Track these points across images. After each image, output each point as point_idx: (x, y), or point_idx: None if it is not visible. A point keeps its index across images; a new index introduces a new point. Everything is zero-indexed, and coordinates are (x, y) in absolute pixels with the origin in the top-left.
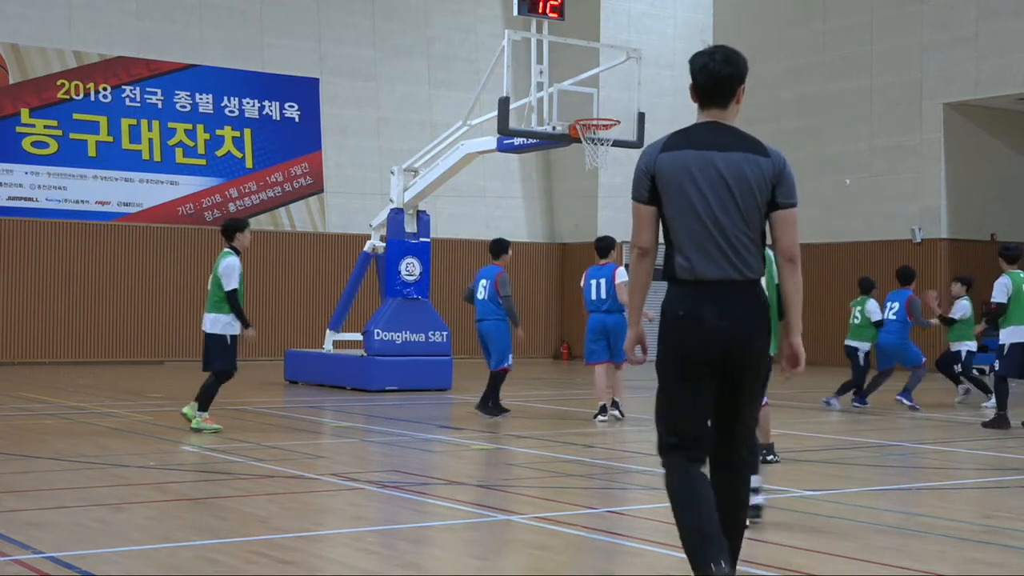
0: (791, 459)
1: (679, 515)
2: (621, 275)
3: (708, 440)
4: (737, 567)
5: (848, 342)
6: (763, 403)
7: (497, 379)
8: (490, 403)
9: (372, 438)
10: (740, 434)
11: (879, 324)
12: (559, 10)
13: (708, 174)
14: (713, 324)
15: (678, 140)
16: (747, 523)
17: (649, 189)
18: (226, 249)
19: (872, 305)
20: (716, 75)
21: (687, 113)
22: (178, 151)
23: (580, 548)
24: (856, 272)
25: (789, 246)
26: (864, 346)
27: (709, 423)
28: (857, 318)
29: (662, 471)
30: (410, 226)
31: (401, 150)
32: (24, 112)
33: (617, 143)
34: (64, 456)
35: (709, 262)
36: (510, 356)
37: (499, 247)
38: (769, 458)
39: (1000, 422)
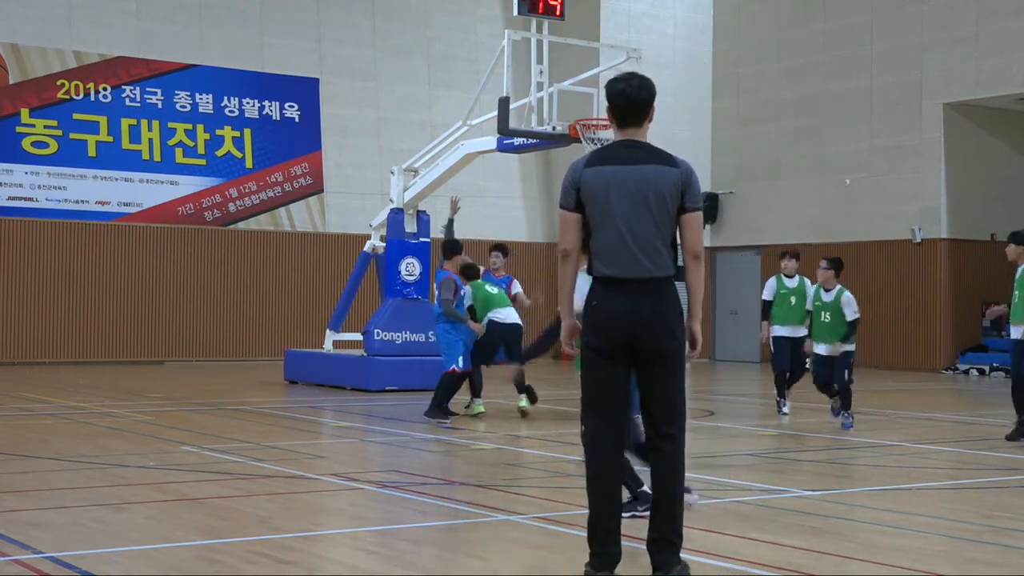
0: (791, 459)
1: (588, 492)
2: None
3: (622, 416)
4: (683, 541)
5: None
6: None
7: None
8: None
9: (372, 438)
10: (659, 414)
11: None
12: (559, 10)
13: (625, 187)
14: (622, 314)
15: (599, 157)
16: (685, 497)
17: (575, 200)
18: None
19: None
20: (634, 99)
21: (687, 113)
22: (178, 151)
23: (580, 548)
24: (856, 273)
25: (693, 244)
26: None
27: (626, 407)
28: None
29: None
30: (410, 226)
31: (401, 150)
32: (24, 112)
33: None
34: (64, 456)
35: (622, 262)
36: (459, 359)
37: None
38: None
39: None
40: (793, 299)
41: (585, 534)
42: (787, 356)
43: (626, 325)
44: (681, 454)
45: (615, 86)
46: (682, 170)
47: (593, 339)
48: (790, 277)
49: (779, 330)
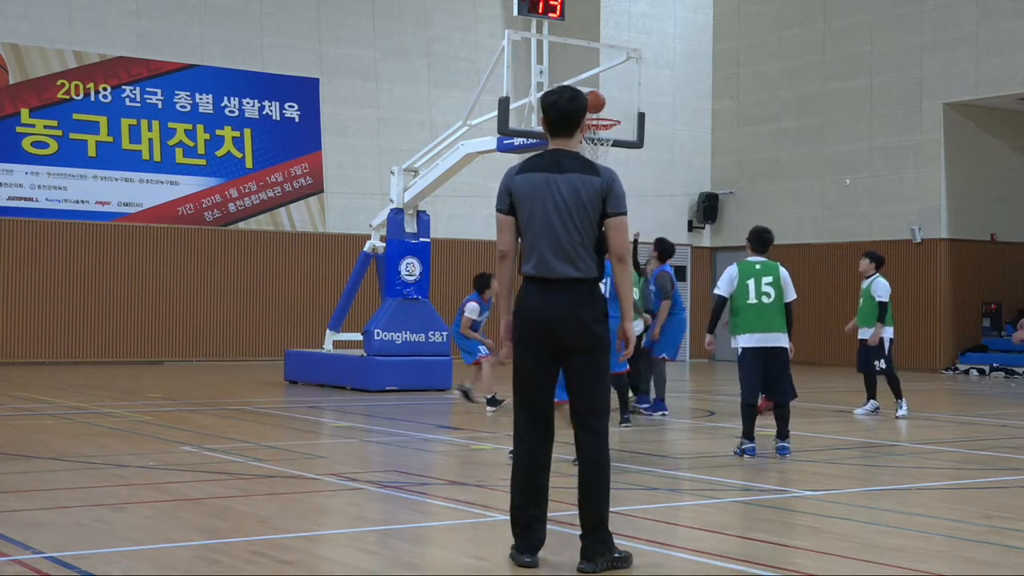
0: (792, 459)
1: (513, 470)
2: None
3: (550, 416)
4: (610, 522)
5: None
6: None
7: None
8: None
9: (372, 438)
10: (581, 408)
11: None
12: (559, 10)
13: (550, 193)
14: (546, 312)
15: (530, 164)
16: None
17: (508, 204)
18: None
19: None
20: (565, 111)
21: (687, 113)
22: (178, 151)
23: (580, 548)
24: (856, 273)
25: (618, 247)
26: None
27: (551, 403)
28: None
29: (660, 471)
30: (410, 226)
31: (401, 150)
32: (24, 112)
33: (617, 143)
34: (64, 456)
35: (548, 263)
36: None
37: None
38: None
39: None
40: (860, 301)
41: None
42: (860, 358)
43: (547, 323)
44: (604, 446)
45: (548, 98)
46: (603, 178)
47: (518, 336)
48: (868, 277)
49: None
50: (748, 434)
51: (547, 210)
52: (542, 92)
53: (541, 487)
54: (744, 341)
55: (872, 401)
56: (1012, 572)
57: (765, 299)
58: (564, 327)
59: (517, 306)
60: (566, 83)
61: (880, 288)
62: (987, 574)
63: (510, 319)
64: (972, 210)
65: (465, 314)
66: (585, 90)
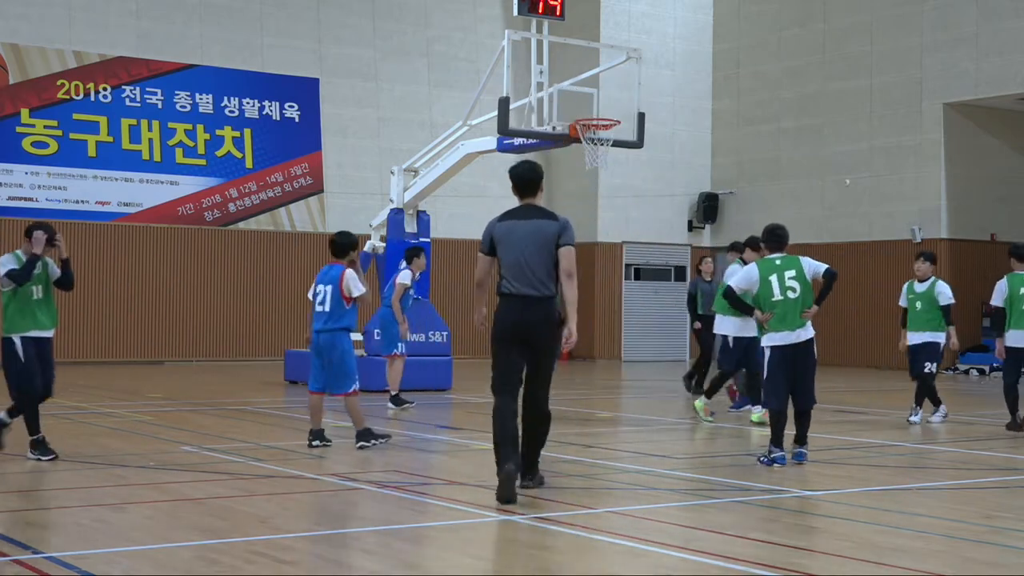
0: (792, 459)
1: (493, 426)
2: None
3: (516, 386)
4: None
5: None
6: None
7: None
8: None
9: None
10: (536, 383)
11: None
12: (559, 10)
13: (523, 234)
14: (516, 319)
15: (508, 215)
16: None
17: (489, 245)
18: None
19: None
20: (527, 179)
21: (687, 113)
22: (178, 151)
23: (580, 548)
24: (856, 273)
25: (567, 267)
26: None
27: (517, 378)
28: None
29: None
30: (410, 226)
31: (401, 150)
32: (24, 112)
33: (617, 143)
34: (64, 456)
35: (518, 284)
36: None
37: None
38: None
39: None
40: (919, 304)
41: (584, 534)
42: (915, 362)
43: (518, 327)
44: (546, 409)
45: (515, 170)
46: (560, 223)
47: (497, 336)
48: (922, 281)
49: (912, 337)
50: (777, 441)
51: (521, 246)
52: (541, 92)
53: (513, 429)
54: (769, 340)
55: (942, 406)
56: (1012, 572)
57: (791, 294)
58: (531, 331)
59: (495, 315)
60: (565, 83)
61: (946, 291)
62: (987, 574)
63: (484, 310)
64: (972, 210)
65: (398, 281)
66: (582, 90)
